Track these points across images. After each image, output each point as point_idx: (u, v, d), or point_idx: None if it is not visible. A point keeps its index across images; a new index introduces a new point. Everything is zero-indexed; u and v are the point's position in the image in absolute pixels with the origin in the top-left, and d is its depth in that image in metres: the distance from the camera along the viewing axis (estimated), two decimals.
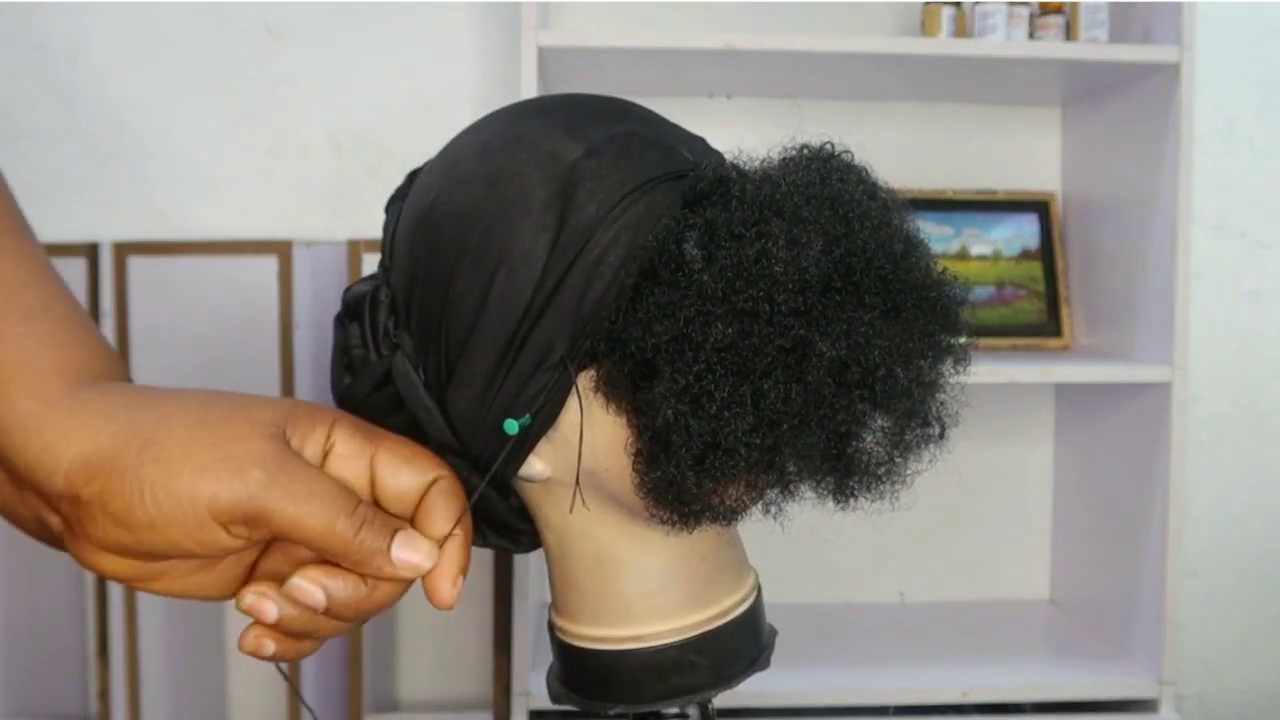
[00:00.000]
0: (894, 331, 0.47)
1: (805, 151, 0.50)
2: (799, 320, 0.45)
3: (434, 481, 0.47)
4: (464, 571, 0.46)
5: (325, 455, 0.45)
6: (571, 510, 0.51)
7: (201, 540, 0.40)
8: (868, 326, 0.46)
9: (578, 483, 0.50)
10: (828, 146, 0.50)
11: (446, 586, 0.45)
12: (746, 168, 0.50)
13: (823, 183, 0.48)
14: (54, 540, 0.44)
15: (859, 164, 0.50)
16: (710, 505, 0.47)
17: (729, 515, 0.48)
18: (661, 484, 0.46)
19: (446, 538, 0.45)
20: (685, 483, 0.46)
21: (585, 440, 0.48)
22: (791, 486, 0.48)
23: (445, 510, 0.46)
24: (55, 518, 0.42)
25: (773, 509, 0.51)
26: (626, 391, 0.46)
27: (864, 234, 0.47)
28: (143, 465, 0.40)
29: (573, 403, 0.48)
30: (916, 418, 0.49)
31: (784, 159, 0.50)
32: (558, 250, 0.47)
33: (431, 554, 0.44)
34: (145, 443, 0.40)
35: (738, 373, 0.45)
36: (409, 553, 0.44)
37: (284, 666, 0.46)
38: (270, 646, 0.43)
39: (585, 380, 0.48)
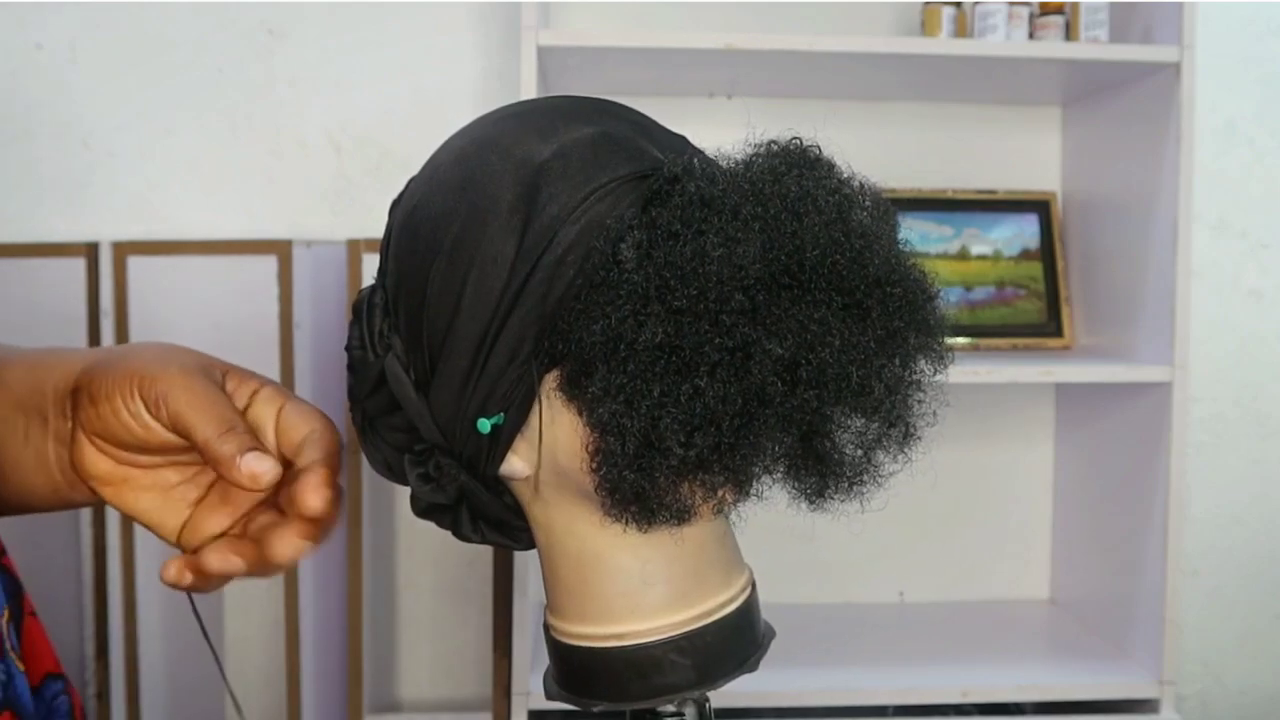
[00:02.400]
0: (850, 329, 0.46)
1: (769, 147, 0.49)
2: (740, 318, 0.44)
3: (309, 432, 0.53)
4: (329, 486, 0.51)
5: (249, 404, 0.54)
6: (536, 490, 0.51)
7: (134, 412, 0.51)
8: (819, 324, 0.45)
9: (537, 479, 0.50)
10: (794, 142, 0.50)
11: (309, 494, 0.50)
12: (710, 167, 0.50)
13: (776, 179, 0.47)
14: (67, 476, 0.54)
15: (824, 159, 0.50)
16: (664, 504, 0.47)
17: (682, 514, 0.48)
18: (608, 483, 0.47)
19: (302, 470, 0.51)
20: (624, 482, 0.46)
21: (554, 439, 0.48)
22: (748, 485, 0.48)
23: (313, 450, 0.52)
24: (66, 424, 0.53)
25: (729, 509, 0.51)
26: (581, 391, 0.47)
27: (815, 229, 0.46)
28: (110, 360, 0.53)
29: (541, 401, 0.48)
30: (883, 417, 0.48)
31: (746, 156, 0.49)
32: (523, 251, 0.47)
33: (275, 469, 0.50)
34: (122, 354, 0.53)
35: (675, 372, 0.44)
36: (255, 464, 0.50)
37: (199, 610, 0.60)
38: (189, 578, 0.52)
39: (550, 379, 0.48)
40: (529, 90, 1.30)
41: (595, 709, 0.54)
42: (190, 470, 0.54)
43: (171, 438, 0.51)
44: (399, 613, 1.68)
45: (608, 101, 0.53)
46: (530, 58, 1.30)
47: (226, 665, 1.68)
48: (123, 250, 1.50)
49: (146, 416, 0.51)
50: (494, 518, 0.54)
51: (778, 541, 0.96)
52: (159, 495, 0.54)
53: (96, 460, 0.53)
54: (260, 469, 0.50)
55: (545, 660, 0.58)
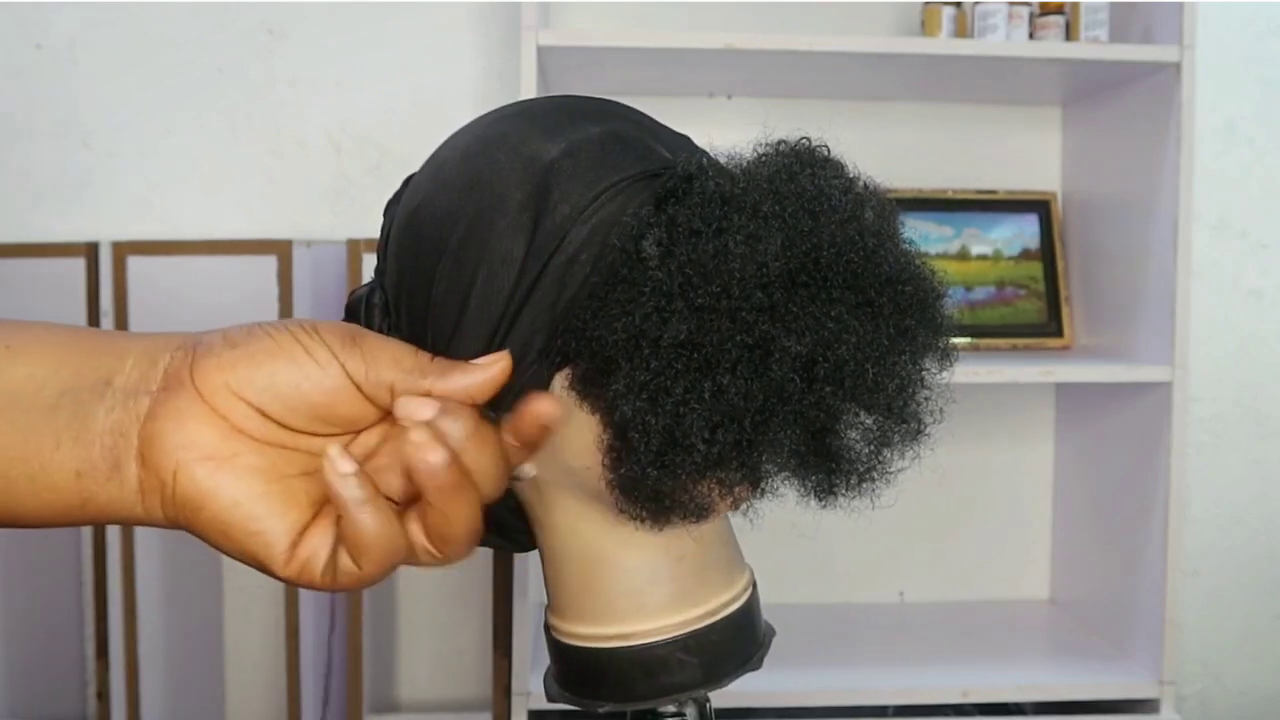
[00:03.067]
0: (865, 327, 0.46)
1: (780, 147, 0.50)
2: (761, 316, 0.45)
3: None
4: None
5: None
6: (541, 491, 0.51)
7: (309, 347, 0.41)
8: (835, 321, 0.45)
9: (543, 479, 0.50)
10: (803, 141, 0.50)
11: (545, 402, 0.44)
12: (723, 165, 0.50)
13: (790, 177, 0.47)
14: (111, 456, 0.41)
15: (834, 159, 0.50)
16: (680, 502, 0.47)
17: (700, 512, 0.48)
18: (627, 481, 0.47)
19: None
20: (646, 480, 0.46)
21: (563, 439, 0.48)
22: (764, 483, 0.48)
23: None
24: (144, 399, 0.41)
25: (745, 507, 0.51)
26: (596, 389, 0.47)
27: (831, 228, 0.46)
28: (260, 325, 0.43)
29: None
30: (894, 414, 0.48)
31: (758, 155, 0.50)
32: (533, 251, 0.47)
33: (502, 359, 0.45)
34: (257, 322, 0.44)
35: (697, 369, 0.45)
36: (480, 360, 0.45)
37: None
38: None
39: (561, 378, 0.48)
40: (529, 90, 1.30)
41: (600, 710, 0.54)
42: (302, 459, 0.43)
43: (343, 390, 0.42)
44: (399, 613, 1.68)
45: (610, 101, 0.53)
46: (530, 58, 1.30)
47: (225, 666, 1.67)
48: (123, 250, 1.50)
49: (326, 355, 0.41)
50: (494, 519, 0.54)
51: (778, 541, 0.96)
52: (269, 481, 0.41)
53: (199, 427, 0.40)
54: (488, 361, 0.44)
55: (545, 660, 0.58)
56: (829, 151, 0.50)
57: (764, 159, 0.49)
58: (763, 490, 0.49)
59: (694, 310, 0.45)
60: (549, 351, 0.48)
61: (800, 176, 0.48)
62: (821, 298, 0.46)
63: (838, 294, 0.46)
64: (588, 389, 0.47)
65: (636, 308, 0.45)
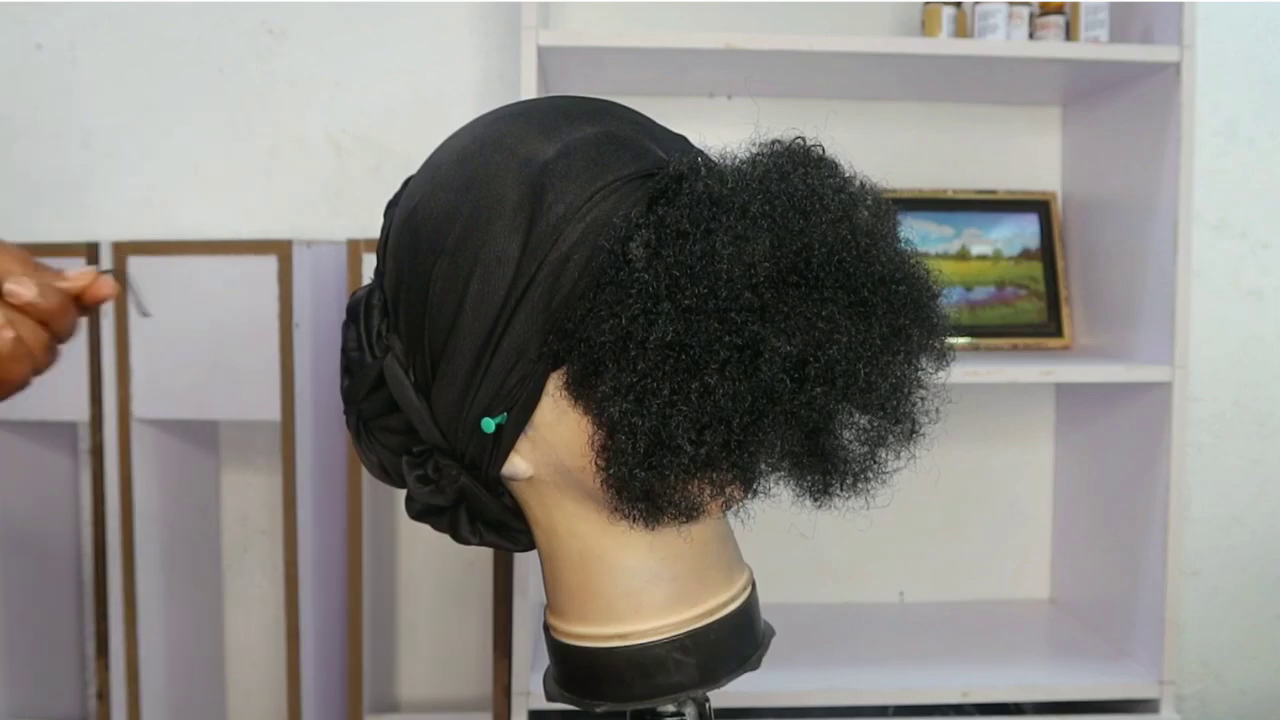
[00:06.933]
0: (858, 326, 0.46)
1: (774, 146, 0.49)
2: (750, 316, 0.45)
3: None
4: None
5: None
6: (538, 491, 0.51)
7: None
8: (827, 321, 0.45)
9: (539, 479, 0.50)
10: (798, 141, 0.50)
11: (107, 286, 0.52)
12: (716, 165, 0.50)
13: (782, 177, 0.47)
14: None
15: (829, 158, 0.50)
16: (672, 501, 0.47)
17: (691, 512, 0.48)
18: (618, 481, 0.47)
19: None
20: (634, 480, 0.46)
21: (558, 438, 0.48)
22: (757, 483, 0.48)
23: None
24: None
25: (737, 507, 0.51)
26: (588, 390, 0.47)
27: (823, 227, 0.46)
28: None
29: (546, 401, 0.48)
30: (888, 414, 0.48)
31: (751, 155, 0.50)
32: (528, 251, 0.47)
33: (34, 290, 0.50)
34: None
35: (685, 370, 0.45)
36: (20, 289, 0.50)
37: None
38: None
39: (555, 379, 0.48)
40: (529, 90, 1.30)
41: (598, 709, 0.54)
42: None
43: None
44: (399, 613, 1.68)
45: (608, 101, 0.53)
46: (530, 58, 1.30)
47: (226, 666, 1.67)
48: (123, 250, 1.50)
49: None
50: (493, 519, 0.54)
51: (778, 541, 0.96)
52: None
53: None
54: (25, 293, 0.50)
55: (545, 660, 0.58)
56: (823, 151, 0.50)
57: (757, 159, 0.49)
58: (755, 490, 0.49)
59: (681, 312, 0.44)
60: (543, 352, 0.47)
61: (793, 176, 0.47)
62: (813, 297, 0.46)
63: (830, 294, 0.46)
64: (579, 390, 0.47)
65: (624, 309, 0.45)
